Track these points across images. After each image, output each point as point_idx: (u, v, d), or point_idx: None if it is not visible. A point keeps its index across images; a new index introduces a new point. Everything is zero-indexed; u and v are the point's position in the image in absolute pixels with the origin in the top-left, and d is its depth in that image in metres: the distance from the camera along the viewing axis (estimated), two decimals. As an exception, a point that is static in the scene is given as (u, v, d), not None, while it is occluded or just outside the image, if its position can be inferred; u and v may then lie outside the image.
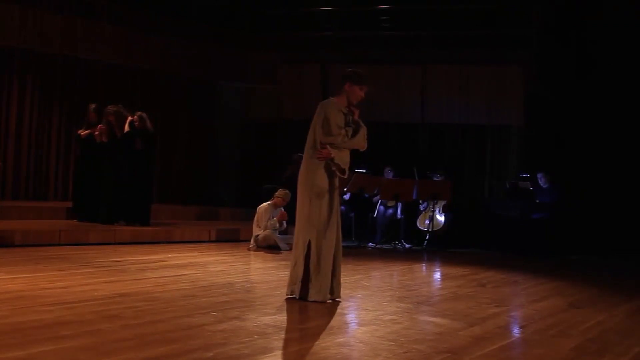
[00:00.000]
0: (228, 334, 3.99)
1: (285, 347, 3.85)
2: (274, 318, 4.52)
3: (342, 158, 5.30)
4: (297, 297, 5.17)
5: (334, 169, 5.27)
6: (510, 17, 11.95)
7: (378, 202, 11.13)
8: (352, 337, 4.24)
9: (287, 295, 5.25)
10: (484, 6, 12.08)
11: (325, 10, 13.03)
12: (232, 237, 10.00)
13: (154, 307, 4.67)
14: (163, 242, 8.93)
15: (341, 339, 4.12)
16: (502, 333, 4.67)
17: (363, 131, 5.35)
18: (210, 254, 8.31)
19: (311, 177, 5.24)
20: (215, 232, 9.85)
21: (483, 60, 12.15)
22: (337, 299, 5.29)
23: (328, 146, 5.22)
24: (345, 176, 5.44)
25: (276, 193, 9.31)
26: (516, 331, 4.88)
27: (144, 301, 4.85)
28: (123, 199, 9.32)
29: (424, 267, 8.76)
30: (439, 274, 8.28)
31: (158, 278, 5.95)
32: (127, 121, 9.51)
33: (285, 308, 4.94)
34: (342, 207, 10.54)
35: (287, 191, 9.14)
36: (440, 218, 11.12)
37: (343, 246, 5.47)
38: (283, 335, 4.10)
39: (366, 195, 11.00)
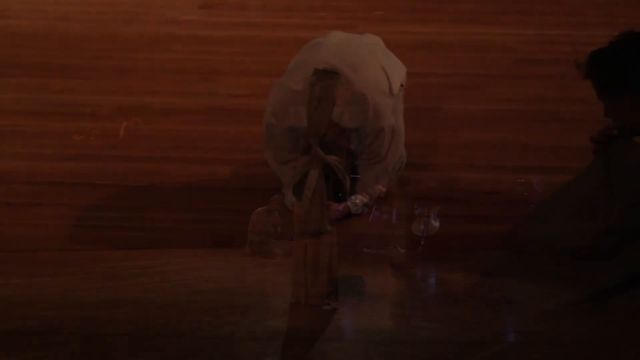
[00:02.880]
0: (222, 340, 3.98)
1: (279, 353, 3.83)
2: (268, 323, 4.51)
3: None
4: (301, 302, 5.16)
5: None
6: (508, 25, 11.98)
7: (373, 206, 11.14)
8: (347, 342, 4.23)
9: (291, 301, 5.21)
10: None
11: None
12: (227, 242, 9.99)
13: (147, 313, 4.65)
14: (158, 247, 8.92)
15: (336, 344, 4.11)
16: (497, 338, 4.66)
17: None
18: (205, 259, 8.30)
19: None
20: (211, 237, 9.83)
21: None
22: (333, 303, 5.28)
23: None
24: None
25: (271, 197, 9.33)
26: (511, 336, 4.87)
27: (137, 307, 4.84)
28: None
29: (419, 272, 8.76)
30: (433, 278, 8.28)
31: (152, 283, 5.94)
32: (123, 126, 9.51)
33: (280, 313, 4.93)
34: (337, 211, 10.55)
35: (282, 195, 9.13)
36: (435, 223, 11.11)
37: (338, 251, 5.46)
38: (278, 341, 4.09)
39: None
